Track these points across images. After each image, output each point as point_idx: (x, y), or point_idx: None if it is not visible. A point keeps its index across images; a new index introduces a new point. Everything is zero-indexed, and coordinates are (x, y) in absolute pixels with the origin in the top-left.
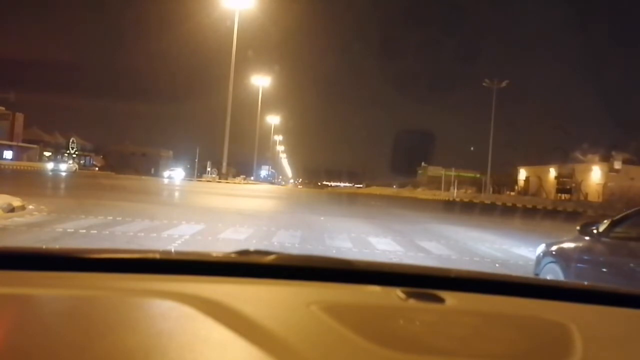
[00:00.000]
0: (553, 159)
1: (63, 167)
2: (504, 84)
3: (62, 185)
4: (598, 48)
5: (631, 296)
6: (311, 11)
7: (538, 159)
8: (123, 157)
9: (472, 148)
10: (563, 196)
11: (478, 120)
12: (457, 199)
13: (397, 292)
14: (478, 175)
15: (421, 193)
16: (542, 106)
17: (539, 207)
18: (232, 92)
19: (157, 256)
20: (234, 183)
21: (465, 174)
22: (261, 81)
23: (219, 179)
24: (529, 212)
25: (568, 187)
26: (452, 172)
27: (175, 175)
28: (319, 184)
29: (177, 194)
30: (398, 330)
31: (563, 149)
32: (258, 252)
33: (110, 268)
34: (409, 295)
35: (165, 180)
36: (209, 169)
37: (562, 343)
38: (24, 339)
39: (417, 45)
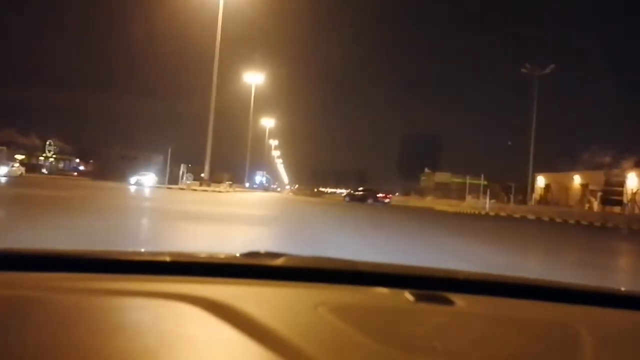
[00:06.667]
0: (578, 165)
1: (2, 170)
2: (548, 69)
3: None
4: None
5: None
6: (309, 5)
7: (561, 165)
8: (112, 161)
9: (509, 142)
10: (613, 209)
11: (481, 124)
12: (492, 213)
13: (406, 294)
14: (486, 183)
15: (434, 202)
16: (570, 105)
17: (594, 222)
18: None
19: (166, 258)
20: (216, 191)
21: (473, 181)
22: (254, 78)
23: (200, 185)
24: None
25: (615, 197)
26: (468, 180)
27: (145, 180)
28: (315, 190)
29: (121, 212)
30: (406, 332)
31: (592, 154)
32: (266, 254)
33: (118, 269)
34: (418, 297)
35: (131, 188)
36: (186, 173)
37: (571, 346)
38: (32, 340)
39: (421, 43)
